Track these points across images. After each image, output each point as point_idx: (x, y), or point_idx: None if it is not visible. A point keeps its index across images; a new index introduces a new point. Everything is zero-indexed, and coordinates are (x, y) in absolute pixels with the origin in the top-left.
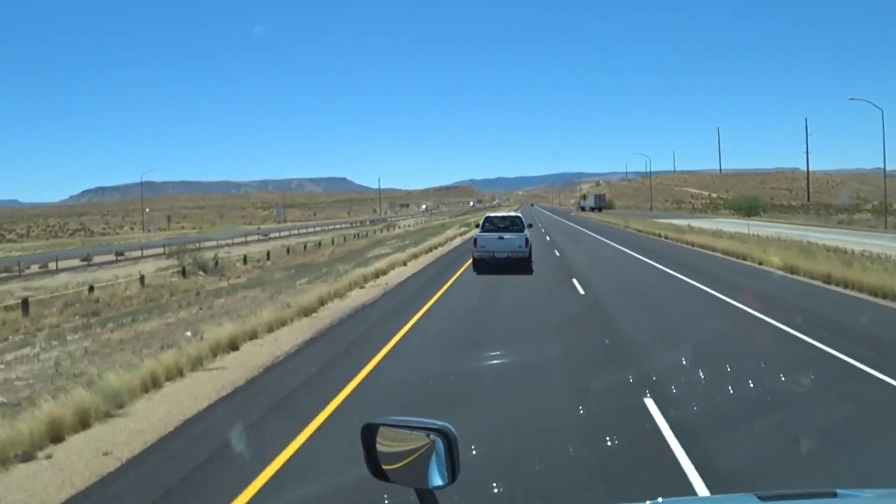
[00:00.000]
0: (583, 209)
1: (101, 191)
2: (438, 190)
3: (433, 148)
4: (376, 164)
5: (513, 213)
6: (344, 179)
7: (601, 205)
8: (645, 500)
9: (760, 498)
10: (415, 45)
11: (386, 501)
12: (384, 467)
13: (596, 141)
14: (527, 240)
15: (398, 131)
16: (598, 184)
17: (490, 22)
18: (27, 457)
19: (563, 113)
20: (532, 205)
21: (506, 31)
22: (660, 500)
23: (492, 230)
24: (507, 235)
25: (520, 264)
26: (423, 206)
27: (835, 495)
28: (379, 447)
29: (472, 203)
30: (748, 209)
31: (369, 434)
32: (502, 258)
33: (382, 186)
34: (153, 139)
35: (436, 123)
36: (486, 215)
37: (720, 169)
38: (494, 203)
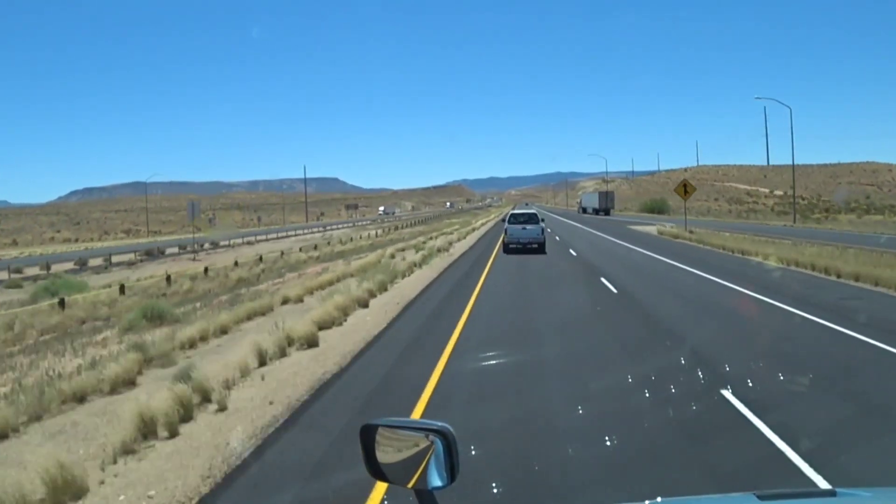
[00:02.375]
0: (584, 211)
1: (88, 191)
2: (426, 189)
3: (427, 149)
4: (369, 165)
5: (531, 211)
6: (336, 179)
7: (607, 205)
8: (644, 501)
9: (760, 497)
10: (409, 47)
11: (385, 502)
12: (383, 468)
13: (589, 142)
14: (542, 230)
15: (392, 132)
16: (603, 180)
17: (484, 23)
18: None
19: (556, 113)
20: (527, 204)
21: (502, 33)
22: (659, 499)
23: (516, 223)
24: (528, 227)
25: (537, 248)
26: (382, 209)
27: (834, 494)
28: (378, 448)
29: (448, 204)
30: None
31: (368, 435)
32: (525, 243)
33: (374, 186)
34: (145, 140)
35: (430, 124)
36: (511, 212)
37: (767, 161)
38: (485, 203)
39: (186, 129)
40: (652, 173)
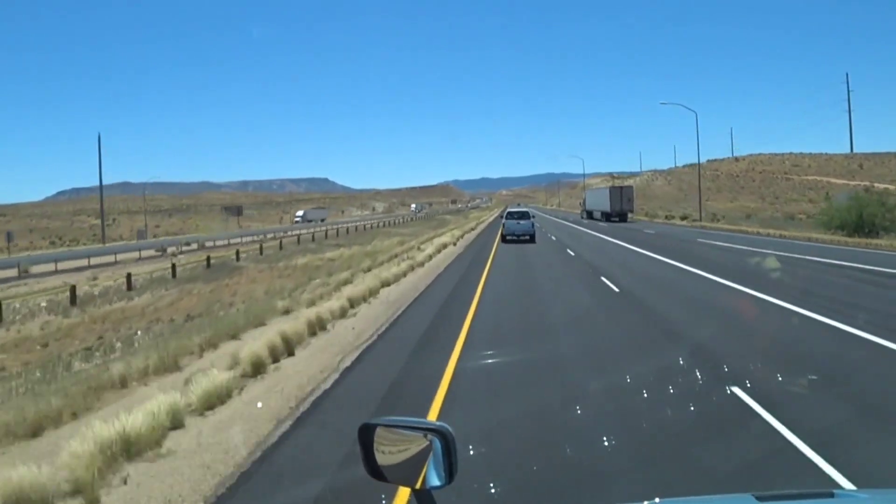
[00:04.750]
0: (590, 215)
1: (75, 191)
2: (412, 189)
3: (419, 150)
4: (362, 166)
5: (525, 209)
6: (325, 179)
7: (623, 207)
8: (643, 501)
9: (758, 498)
10: (403, 48)
11: (384, 502)
12: (382, 468)
13: (587, 143)
14: (532, 224)
15: (385, 134)
16: (611, 177)
17: (481, 24)
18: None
19: (550, 114)
20: (518, 205)
21: (499, 34)
22: (657, 500)
23: (512, 219)
24: (521, 222)
25: (528, 239)
26: (299, 213)
27: (832, 496)
28: (376, 447)
29: (413, 206)
30: None
31: (367, 434)
32: (519, 234)
33: (364, 186)
34: (141, 141)
35: (422, 126)
36: (507, 210)
37: (851, 148)
38: (474, 203)
39: (183, 129)
40: (689, 166)
